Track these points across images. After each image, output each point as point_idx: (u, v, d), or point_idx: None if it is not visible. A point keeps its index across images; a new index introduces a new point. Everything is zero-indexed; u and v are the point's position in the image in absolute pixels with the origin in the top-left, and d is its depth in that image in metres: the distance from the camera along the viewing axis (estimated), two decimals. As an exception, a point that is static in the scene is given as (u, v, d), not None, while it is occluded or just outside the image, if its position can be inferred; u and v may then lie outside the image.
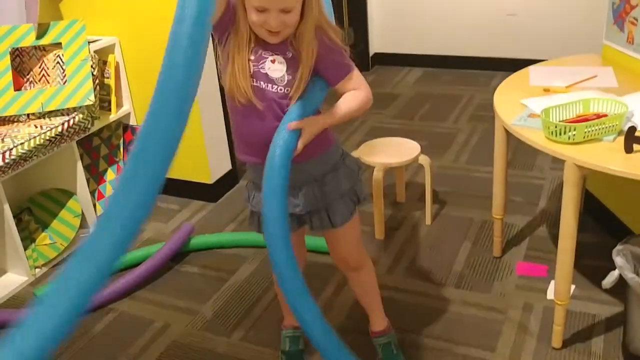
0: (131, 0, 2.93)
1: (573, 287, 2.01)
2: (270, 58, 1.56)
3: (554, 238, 2.63)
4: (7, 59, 2.75)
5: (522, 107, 2.09)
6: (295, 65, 1.55)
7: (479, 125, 3.84)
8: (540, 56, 4.11)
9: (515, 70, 2.55)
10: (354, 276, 1.99)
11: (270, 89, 1.58)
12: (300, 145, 1.55)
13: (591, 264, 2.44)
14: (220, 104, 3.21)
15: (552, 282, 2.26)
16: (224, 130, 3.26)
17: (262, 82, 1.57)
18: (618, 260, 1.86)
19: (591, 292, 2.31)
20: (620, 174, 1.69)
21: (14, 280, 2.71)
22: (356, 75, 1.63)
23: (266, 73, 1.56)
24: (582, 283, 2.35)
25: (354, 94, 1.64)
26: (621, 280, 1.87)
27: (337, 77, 1.62)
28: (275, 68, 1.56)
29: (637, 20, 2.29)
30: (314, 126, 1.58)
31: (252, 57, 1.56)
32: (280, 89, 1.58)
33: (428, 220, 2.84)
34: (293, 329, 2.14)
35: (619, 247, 1.92)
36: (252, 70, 1.56)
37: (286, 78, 1.57)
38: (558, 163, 3.18)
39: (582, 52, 2.73)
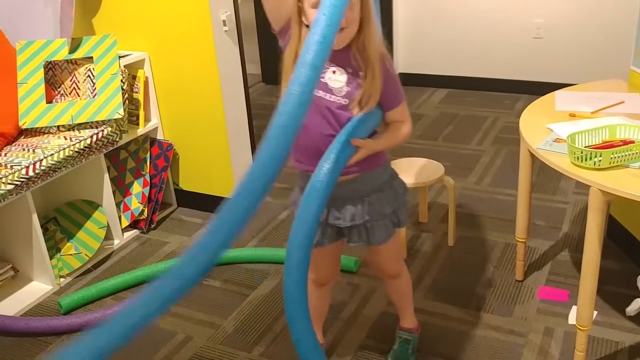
0: (161, 17, 3.00)
1: (595, 313, 2.00)
2: (332, 69, 1.61)
3: (577, 263, 2.62)
4: (41, 72, 2.82)
5: (547, 131, 2.09)
6: (356, 79, 1.59)
7: (503, 147, 3.83)
8: (566, 80, 4.12)
9: (539, 94, 2.56)
10: (391, 283, 2.08)
11: (328, 98, 1.62)
12: (354, 159, 1.61)
13: (614, 290, 2.42)
14: (246, 119, 3.25)
15: (574, 307, 2.25)
16: (249, 144, 3.30)
17: (320, 91, 1.61)
18: (642, 287, 1.85)
19: (613, 318, 2.29)
20: (646, 201, 1.69)
21: (39, 288, 2.75)
22: (405, 106, 1.70)
23: (326, 82, 1.61)
24: (604, 309, 2.33)
25: (400, 127, 1.71)
26: (645, 308, 1.86)
27: (391, 105, 1.68)
28: (336, 79, 1.60)
29: (665, 47, 2.28)
30: (370, 149, 1.65)
31: None
32: (338, 99, 1.61)
33: (450, 242, 2.84)
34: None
35: (643, 274, 1.91)
36: None
37: (345, 89, 1.61)
38: (582, 187, 3.18)
39: (609, 77, 2.73)
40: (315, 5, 1.47)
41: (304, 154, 1.71)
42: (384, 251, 1.90)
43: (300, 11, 1.55)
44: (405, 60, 5.08)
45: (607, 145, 1.86)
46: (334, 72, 1.60)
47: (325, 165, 1.52)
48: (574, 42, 4.47)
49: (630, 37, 2.52)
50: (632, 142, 1.86)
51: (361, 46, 1.57)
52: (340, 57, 1.59)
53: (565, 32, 4.48)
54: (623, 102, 2.29)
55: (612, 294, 2.40)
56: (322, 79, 1.59)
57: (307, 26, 1.54)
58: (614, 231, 2.71)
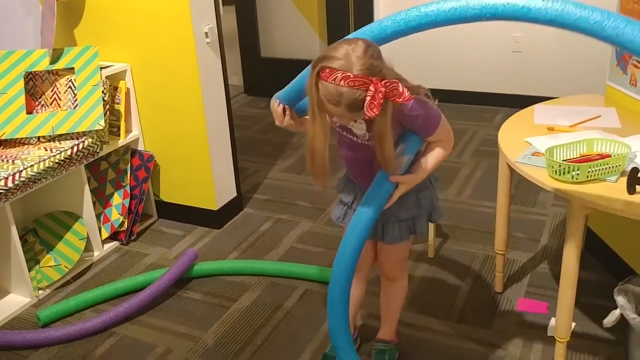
0: (144, 28, 2.99)
1: (573, 324, 2.02)
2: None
3: (555, 275, 2.65)
4: (21, 83, 2.80)
5: (526, 144, 2.12)
6: (373, 127, 1.65)
7: (483, 160, 3.87)
8: (544, 93, 4.18)
9: (518, 107, 2.59)
10: (387, 284, 2.14)
11: (357, 141, 1.76)
12: (395, 196, 1.73)
13: (592, 302, 2.46)
14: (228, 131, 3.25)
15: (553, 319, 2.27)
16: (231, 157, 3.30)
17: (349, 135, 1.77)
18: (620, 299, 1.88)
19: (591, 330, 2.32)
20: (623, 214, 1.72)
21: (16, 301, 2.72)
22: (441, 128, 1.74)
23: (351, 129, 1.74)
24: (583, 321, 2.36)
25: (437, 153, 1.78)
26: (622, 319, 1.89)
27: (426, 135, 1.75)
28: (358, 127, 1.72)
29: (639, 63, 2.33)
30: (409, 184, 1.74)
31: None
32: (364, 142, 1.75)
33: (430, 254, 2.86)
34: None
35: (620, 286, 1.94)
36: (338, 124, 1.73)
37: (367, 135, 1.73)
38: (560, 200, 3.23)
39: (586, 91, 2.77)
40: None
41: (357, 177, 1.90)
42: (393, 252, 2.01)
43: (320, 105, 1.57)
44: (386, 73, 5.10)
45: (585, 159, 1.90)
46: (354, 120, 1.69)
47: (366, 209, 1.70)
48: (552, 56, 4.54)
49: (606, 53, 2.57)
50: (608, 156, 1.90)
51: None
52: None
53: (544, 47, 4.55)
54: (600, 116, 2.33)
55: (590, 305, 2.44)
56: (348, 125, 1.72)
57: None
58: (591, 243, 2.74)
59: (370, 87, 1.44)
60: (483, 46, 4.75)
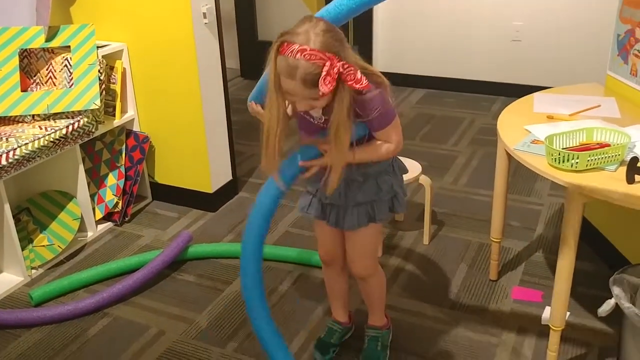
0: (141, 8, 2.96)
1: (568, 313, 2.02)
2: None
3: (550, 264, 2.65)
4: (16, 60, 2.76)
5: (525, 132, 2.11)
6: (329, 111, 1.62)
7: (479, 148, 3.86)
8: (543, 83, 4.17)
9: (516, 96, 2.58)
10: (361, 283, 2.09)
11: (314, 122, 1.75)
12: (315, 163, 1.73)
13: (586, 291, 2.46)
14: (225, 114, 3.23)
15: (547, 308, 2.27)
16: (227, 140, 3.28)
17: (307, 116, 1.75)
18: (615, 289, 1.88)
19: (586, 319, 2.32)
20: (621, 203, 1.71)
21: (9, 279, 2.70)
22: (391, 128, 1.71)
23: (308, 111, 1.71)
24: (577, 310, 2.36)
25: (380, 146, 1.74)
26: (617, 309, 1.89)
27: (375, 129, 1.72)
28: (314, 110, 1.70)
29: (641, 53, 2.32)
30: (336, 157, 1.66)
31: None
32: (320, 124, 1.73)
33: (426, 241, 2.86)
34: (336, 322, 2.24)
35: (615, 276, 1.93)
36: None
37: (323, 118, 1.71)
38: (556, 189, 3.22)
39: (586, 81, 2.76)
40: (286, 93, 1.58)
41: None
42: (357, 242, 1.95)
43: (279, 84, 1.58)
44: (384, 60, 5.09)
45: (584, 148, 1.89)
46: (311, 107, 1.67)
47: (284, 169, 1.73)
48: (552, 46, 4.52)
49: (607, 42, 2.55)
50: (608, 145, 1.89)
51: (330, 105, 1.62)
52: None
53: (544, 36, 4.53)
54: (599, 105, 2.32)
55: (584, 295, 2.44)
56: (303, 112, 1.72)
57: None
58: (587, 233, 2.74)
59: (327, 63, 1.47)
60: (483, 35, 4.73)
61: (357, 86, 1.51)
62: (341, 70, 1.49)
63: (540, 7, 4.47)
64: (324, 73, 1.47)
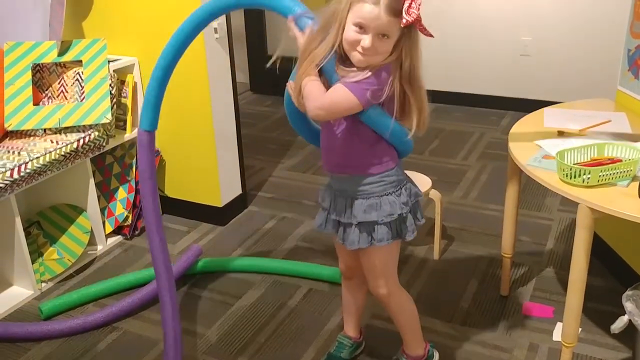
0: (152, 22, 2.98)
1: (579, 330, 2.01)
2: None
3: (561, 279, 2.64)
4: (29, 74, 2.79)
5: (536, 147, 2.11)
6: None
7: (489, 163, 3.86)
8: (552, 98, 4.17)
9: (525, 111, 2.58)
10: (382, 304, 2.01)
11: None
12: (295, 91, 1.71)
13: (598, 307, 2.44)
14: (235, 129, 3.24)
15: (559, 324, 2.26)
16: (237, 154, 3.29)
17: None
18: (628, 305, 1.86)
19: (597, 336, 2.30)
20: (634, 219, 1.70)
21: (19, 293, 2.71)
22: (342, 90, 1.60)
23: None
24: (588, 326, 2.34)
25: (322, 91, 1.64)
26: (630, 326, 1.87)
27: (337, 79, 1.64)
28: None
29: (652, 68, 2.32)
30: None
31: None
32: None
33: (436, 256, 2.85)
34: (346, 337, 2.21)
35: (628, 292, 1.92)
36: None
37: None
38: (566, 205, 3.21)
39: (595, 96, 2.76)
40: (357, 25, 1.55)
41: (326, 150, 1.82)
42: (363, 259, 1.91)
43: (345, 20, 1.58)
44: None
45: (595, 163, 1.88)
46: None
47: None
48: (561, 61, 4.52)
49: (617, 57, 2.55)
50: (619, 160, 1.88)
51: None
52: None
53: (553, 51, 4.53)
54: (610, 120, 2.32)
55: (596, 311, 2.42)
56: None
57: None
58: (598, 249, 2.72)
59: None
60: (492, 49, 4.74)
61: (426, 33, 1.55)
62: (419, 11, 1.51)
63: (548, 22, 4.47)
64: (407, 3, 1.50)
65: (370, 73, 1.59)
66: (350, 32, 1.56)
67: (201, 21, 1.93)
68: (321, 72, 1.66)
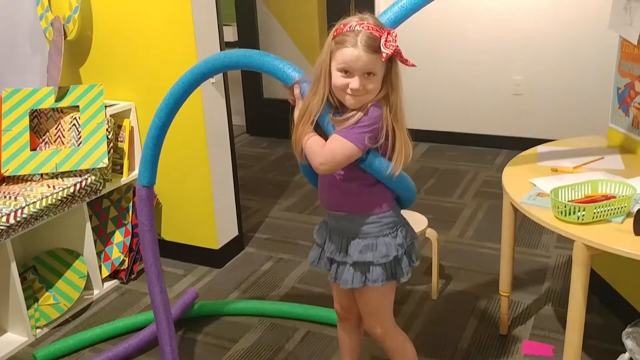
0: (149, 68, 3.03)
1: (581, 368, 1.99)
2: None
3: (560, 317, 2.62)
4: (26, 120, 2.81)
5: (530, 185, 2.12)
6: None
7: (484, 201, 3.87)
8: (545, 136, 4.21)
9: (519, 149, 2.60)
10: (378, 342, 1.98)
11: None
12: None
13: (598, 345, 2.42)
14: (231, 171, 3.25)
15: (559, 363, 2.24)
16: (233, 196, 3.30)
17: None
18: (628, 343, 1.85)
19: (599, 374, 2.29)
20: (630, 256, 1.70)
21: (13, 340, 2.68)
22: (338, 140, 1.62)
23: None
24: (589, 365, 2.33)
25: (322, 145, 1.65)
26: (630, 363, 1.86)
27: (335, 128, 1.65)
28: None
29: (641, 105, 2.35)
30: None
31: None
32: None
33: (434, 295, 2.84)
34: None
35: (628, 329, 1.91)
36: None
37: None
38: (563, 242, 3.21)
39: (587, 133, 2.79)
40: (342, 70, 1.60)
41: (323, 191, 1.84)
42: (359, 299, 1.89)
43: (329, 70, 1.63)
44: (387, 114, 5.14)
45: (590, 200, 1.89)
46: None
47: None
48: (552, 99, 4.58)
49: (607, 95, 2.59)
50: (613, 197, 1.90)
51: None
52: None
53: (544, 89, 4.60)
54: (603, 157, 2.34)
55: (596, 348, 2.40)
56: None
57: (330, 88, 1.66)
58: (596, 285, 2.72)
59: (384, 32, 1.56)
60: (484, 89, 4.80)
61: (408, 64, 1.62)
62: (397, 44, 1.56)
63: (539, 62, 4.55)
64: (383, 39, 1.55)
65: (360, 114, 1.62)
66: (338, 78, 1.61)
67: (195, 81, 1.99)
68: (318, 127, 1.69)
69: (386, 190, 1.79)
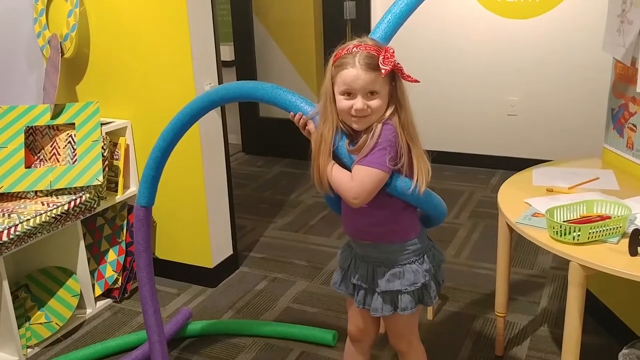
0: (145, 86, 3.03)
1: (577, 390, 1.97)
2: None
3: (556, 338, 2.61)
4: (22, 137, 2.81)
5: (525, 206, 2.12)
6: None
7: (480, 221, 3.87)
8: (540, 156, 4.23)
9: (514, 169, 2.61)
10: (400, 356, 2.01)
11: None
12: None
13: (594, 367, 2.41)
14: (227, 190, 3.25)
15: (556, 385, 2.22)
16: (228, 215, 3.28)
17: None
18: (624, 364, 1.84)
19: (595, 396, 2.27)
20: (625, 276, 1.70)
21: (3, 359, 2.65)
22: (362, 170, 1.61)
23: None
24: (586, 387, 2.31)
25: (348, 179, 1.65)
26: (627, 385, 1.85)
27: (357, 156, 1.64)
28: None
29: (635, 126, 2.36)
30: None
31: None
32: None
33: (430, 316, 2.82)
34: None
35: (624, 351, 1.90)
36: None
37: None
38: (559, 262, 3.21)
39: (582, 154, 2.80)
40: (344, 93, 1.61)
41: (347, 217, 1.84)
42: (390, 324, 1.92)
43: (332, 95, 1.65)
44: (383, 134, 5.15)
45: (585, 220, 1.89)
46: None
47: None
48: (547, 120, 4.61)
49: (602, 116, 2.60)
50: (608, 217, 1.90)
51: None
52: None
53: (539, 110, 4.62)
54: (598, 178, 2.34)
55: (592, 370, 2.39)
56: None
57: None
58: (591, 306, 2.70)
59: (382, 50, 1.58)
60: (479, 110, 4.82)
61: (410, 79, 1.61)
62: (395, 60, 1.57)
63: (534, 83, 4.58)
64: (381, 57, 1.57)
65: (375, 138, 1.61)
66: (342, 102, 1.62)
67: (204, 108, 1.99)
68: (337, 158, 1.69)
69: (412, 217, 1.79)
